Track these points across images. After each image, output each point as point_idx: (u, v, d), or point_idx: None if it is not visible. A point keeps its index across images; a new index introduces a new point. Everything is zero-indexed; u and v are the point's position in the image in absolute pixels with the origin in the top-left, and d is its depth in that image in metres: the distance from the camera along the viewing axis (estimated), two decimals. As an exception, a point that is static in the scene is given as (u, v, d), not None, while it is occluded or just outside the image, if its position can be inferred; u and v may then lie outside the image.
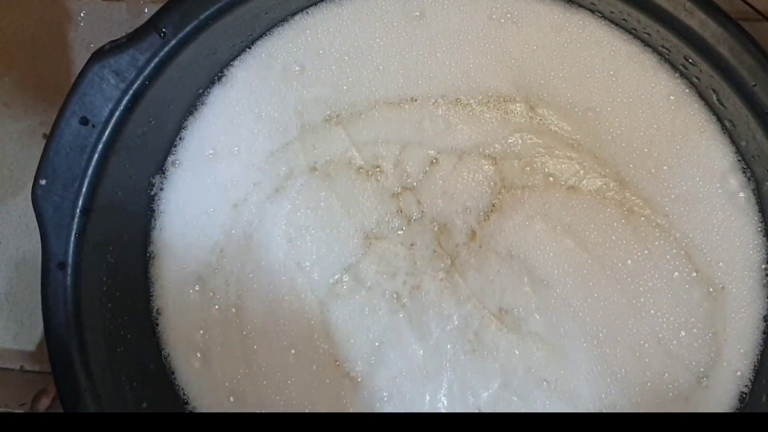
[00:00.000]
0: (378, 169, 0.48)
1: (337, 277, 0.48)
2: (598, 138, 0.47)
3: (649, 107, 0.46)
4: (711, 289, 0.46)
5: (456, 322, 0.48)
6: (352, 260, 0.48)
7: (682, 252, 0.46)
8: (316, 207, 0.48)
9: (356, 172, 0.48)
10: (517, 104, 0.47)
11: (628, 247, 0.46)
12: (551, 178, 0.47)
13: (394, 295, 0.48)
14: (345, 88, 0.48)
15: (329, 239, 0.48)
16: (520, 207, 0.47)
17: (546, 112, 0.47)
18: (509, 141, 0.48)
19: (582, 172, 0.47)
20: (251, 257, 0.49)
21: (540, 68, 0.47)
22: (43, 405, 0.49)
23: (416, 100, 0.48)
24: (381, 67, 0.48)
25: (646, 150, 0.46)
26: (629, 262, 0.46)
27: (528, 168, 0.47)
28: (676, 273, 0.46)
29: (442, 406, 0.48)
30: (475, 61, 0.47)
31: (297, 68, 0.48)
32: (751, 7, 0.50)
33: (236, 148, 0.48)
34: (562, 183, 0.47)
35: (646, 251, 0.46)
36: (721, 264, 0.46)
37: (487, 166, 0.48)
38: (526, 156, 0.47)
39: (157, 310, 0.49)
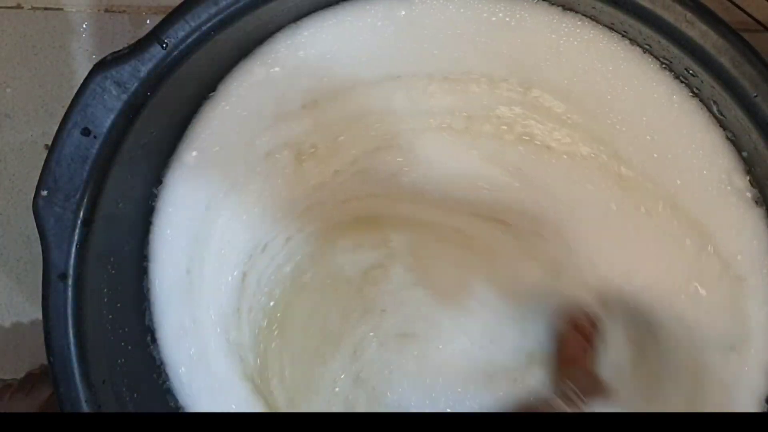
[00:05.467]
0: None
1: None
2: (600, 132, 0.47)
3: (651, 111, 0.46)
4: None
5: None
6: None
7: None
8: None
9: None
10: (510, 83, 0.47)
11: None
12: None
13: None
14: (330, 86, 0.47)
15: None
16: None
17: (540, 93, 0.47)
18: (496, 112, 0.47)
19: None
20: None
21: (536, 70, 0.46)
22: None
23: (401, 78, 0.47)
24: (368, 72, 0.47)
25: (654, 155, 0.46)
26: None
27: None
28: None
29: None
30: (467, 55, 0.47)
31: (293, 74, 0.48)
32: (752, 17, 0.50)
33: (234, 156, 0.48)
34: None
35: None
36: (739, 257, 0.46)
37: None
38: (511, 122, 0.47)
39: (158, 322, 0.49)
